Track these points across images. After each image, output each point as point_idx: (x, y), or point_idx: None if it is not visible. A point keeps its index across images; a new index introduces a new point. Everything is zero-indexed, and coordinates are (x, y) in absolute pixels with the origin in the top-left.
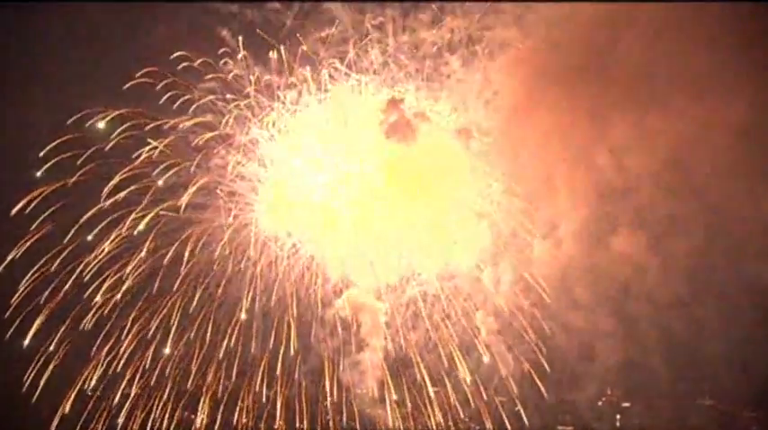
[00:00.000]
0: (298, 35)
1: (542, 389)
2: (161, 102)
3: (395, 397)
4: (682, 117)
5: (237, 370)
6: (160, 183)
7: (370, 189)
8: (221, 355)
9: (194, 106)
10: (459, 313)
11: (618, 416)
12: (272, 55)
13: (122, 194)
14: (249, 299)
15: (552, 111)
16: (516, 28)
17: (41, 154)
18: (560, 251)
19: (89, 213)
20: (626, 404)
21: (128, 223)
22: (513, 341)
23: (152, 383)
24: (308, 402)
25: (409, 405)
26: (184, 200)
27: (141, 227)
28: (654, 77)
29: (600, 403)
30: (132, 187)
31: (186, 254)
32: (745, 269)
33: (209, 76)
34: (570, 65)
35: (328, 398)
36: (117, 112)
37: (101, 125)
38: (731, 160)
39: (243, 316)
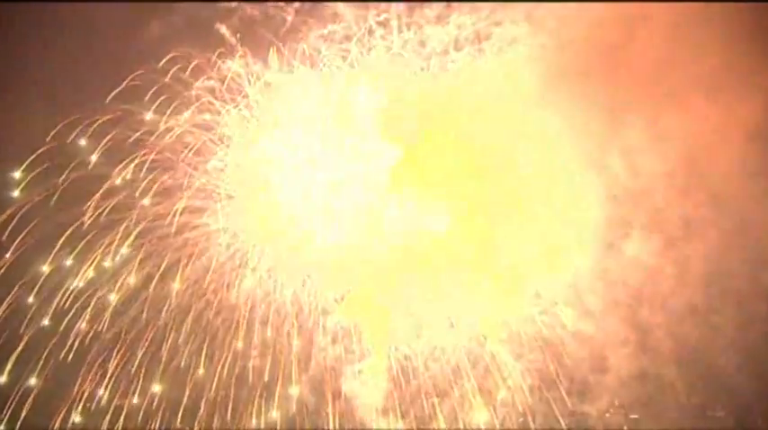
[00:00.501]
0: (299, 32)
1: (551, 400)
2: (155, 104)
3: (398, 407)
4: (698, 117)
5: (236, 380)
6: (146, 201)
7: (374, 189)
8: (219, 367)
9: (191, 107)
10: None
11: (625, 428)
12: (272, 52)
13: (112, 202)
14: (248, 308)
15: (563, 111)
16: (526, 24)
17: (17, 172)
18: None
19: (70, 229)
20: (634, 416)
21: (118, 234)
22: (521, 349)
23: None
24: (308, 413)
25: (413, 415)
26: (179, 206)
27: (125, 248)
28: (669, 76)
29: (607, 414)
30: (122, 194)
31: (181, 263)
32: (764, 275)
33: (203, 78)
34: (582, 63)
35: (330, 410)
36: (106, 117)
37: (82, 142)
38: (749, 161)
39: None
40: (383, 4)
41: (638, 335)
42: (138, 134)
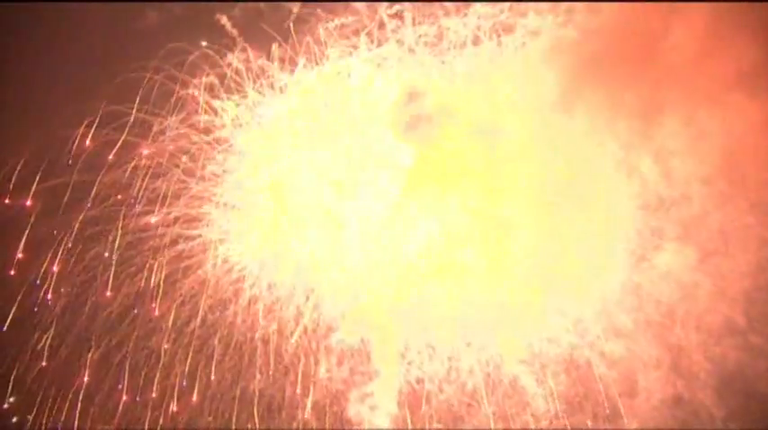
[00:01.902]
0: (306, 24)
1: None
2: (148, 104)
3: None
4: (737, 117)
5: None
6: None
7: (386, 196)
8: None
9: (188, 107)
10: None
11: None
12: (276, 48)
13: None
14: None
15: (590, 109)
16: (552, 15)
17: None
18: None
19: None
20: None
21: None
22: (543, 371)
23: None
24: None
25: None
26: (175, 213)
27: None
28: (706, 71)
29: None
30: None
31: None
32: None
33: (201, 75)
34: (612, 57)
35: None
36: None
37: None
38: None
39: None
40: None
41: (671, 357)
42: (128, 137)
